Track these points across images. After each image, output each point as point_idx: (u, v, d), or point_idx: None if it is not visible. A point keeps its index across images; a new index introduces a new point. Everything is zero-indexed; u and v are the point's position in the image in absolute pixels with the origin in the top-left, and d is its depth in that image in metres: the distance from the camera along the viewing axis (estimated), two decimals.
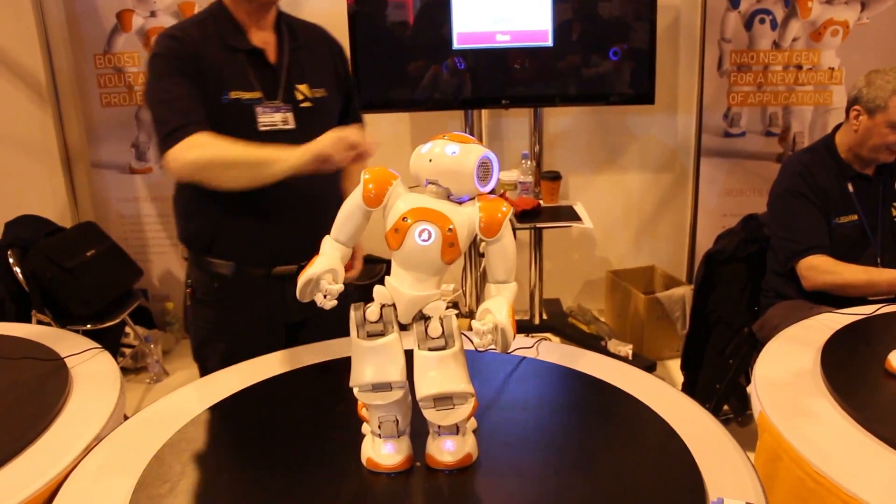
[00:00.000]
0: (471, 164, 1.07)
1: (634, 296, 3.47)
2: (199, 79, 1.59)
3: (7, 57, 3.43)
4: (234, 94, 1.62)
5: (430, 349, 1.09)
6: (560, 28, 3.15)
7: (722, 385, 2.54)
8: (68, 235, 3.21)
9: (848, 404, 1.36)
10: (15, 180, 3.50)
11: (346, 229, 1.16)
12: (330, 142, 1.46)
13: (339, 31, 3.15)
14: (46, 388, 1.45)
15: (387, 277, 1.11)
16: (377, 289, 1.11)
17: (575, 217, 3.01)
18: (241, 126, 1.61)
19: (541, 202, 3.12)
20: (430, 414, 1.10)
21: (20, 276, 2.93)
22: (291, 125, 1.67)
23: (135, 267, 3.39)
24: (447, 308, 1.11)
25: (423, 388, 1.09)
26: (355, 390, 1.13)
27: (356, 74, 3.11)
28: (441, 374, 1.09)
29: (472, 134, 3.49)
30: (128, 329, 3.39)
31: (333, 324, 1.45)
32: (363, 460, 1.16)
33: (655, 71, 3.19)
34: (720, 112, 3.55)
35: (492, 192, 1.12)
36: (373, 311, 1.10)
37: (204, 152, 1.53)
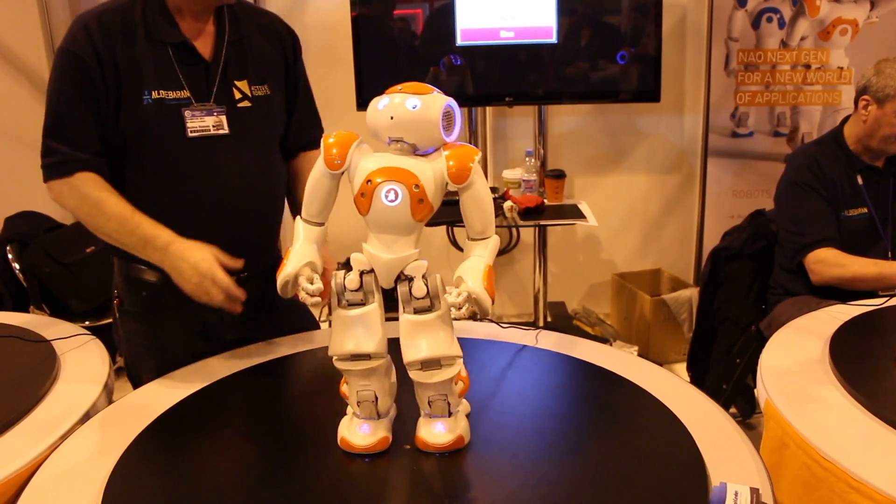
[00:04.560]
0: (435, 116, 1.02)
1: (640, 298, 3.42)
2: (110, 81, 1.42)
3: (11, 55, 3.43)
4: (156, 95, 1.44)
5: (416, 310, 1.05)
6: (565, 25, 3.12)
7: (729, 385, 2.49)
8: (67, 232, 3.18)
9: (857, 391, 1.31)
10: (17, 177, 3.48)
11: (315, 202, 1.11)
12: (194, 279, 1.35)
13: (342, 27, 3.16)
14: (34, 371, 1.42)
15: (363, 243, 1.07)
16: (354, 256, 1.07)
17: (579, 215, 2.97)
18: (167, 131, 1.46)
19: (545, 200, 3.08)
20: (416, 374, 1.07)
21: (18, 271, 2.92)
22: (225, 130, 1.49)
23: None
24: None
25: (410, 354, 1.06)
26: (334, 359, 1.10)
27: (359, 71, 3.09)
28: (428, 340, 1.06)
29: (476, 133, 3.46)
30: None
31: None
32: (338, 440, 1.13)
33: (661, 68, 3.15)
34: (727, 112, 3.51)
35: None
36: (352, 279, 1.06)
37: (77, 207, 1.44)
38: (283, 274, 1.08)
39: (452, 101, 1.05)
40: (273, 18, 1.64)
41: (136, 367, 1.61)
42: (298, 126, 1.65)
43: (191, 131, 1.47)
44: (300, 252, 1.10)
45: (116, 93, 1.43)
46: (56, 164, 1.44)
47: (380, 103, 1.04)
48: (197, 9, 1.49)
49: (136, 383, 1.59)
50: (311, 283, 1.07)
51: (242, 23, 1.56)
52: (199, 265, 1.35)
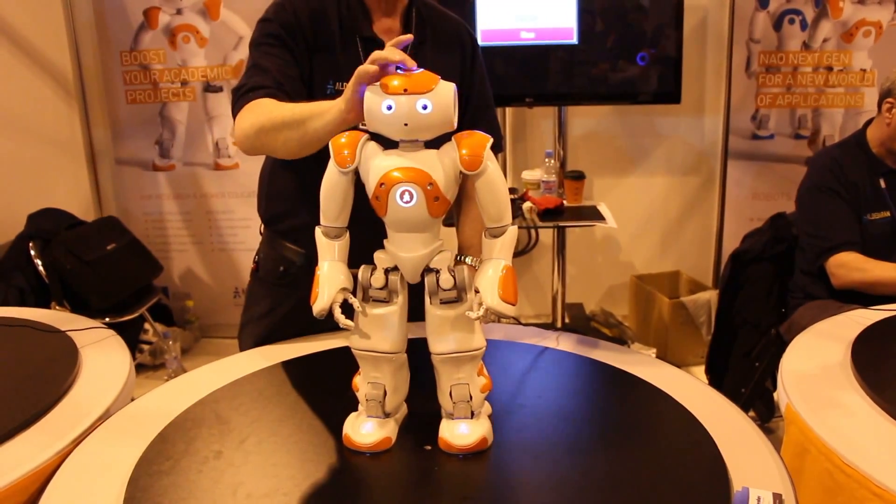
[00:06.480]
0: (450, 110, 1.01)
1: (659, 300, 3.41)
2: (304, 55, 1.47)
3: (36, 54, 3.46)
4: (339, 87, 1.47)
5: (443, 301, 1.06)
6: (585, 26, 3.11)
7: (748, 389, 2.48)
8: (89, 229, 3.22)
9: (880, 397, 1.30)
10: (40, 174, 3.53)
11: (332, 205, 1.09)
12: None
13: None
14: (56, 367, 1.43)
15: (385, 241, 1.08)
16: (378, 255, 1.08)
17: (598, 217, 2.96)
18: None
19: (564, 201, 3.08)
20: (440, 362, 1.09)
21: (40, 267, 2.95)
22: None
23: (154, 262, 3.39)
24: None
25: (438, 346, 1.08)
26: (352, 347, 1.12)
27: None
28: (455, 332, 1.07)
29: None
30: (147, 325, 3.40)
31: None
32: (343, 436, 1.14)
33: (682, 69, 3.14)
34: (748, 114, 3.49)
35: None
36: (377, 277, 1.07)
37: (255, 119, 1.38)
38: (319, 306, 1.07)
39: (453, 87, 1.03)
40: (457, 23, 1.64)
41: (245, 331, 1.69)
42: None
43: (362, 125, 1.46)
44: (330, 278, 1.08)
45: (302, 66, 1.46)
46: (234, 103, 1.44)
47: (383, 104, 1.01)
48: (388, 6, 1.53)
49: (241, 346, 1.67)
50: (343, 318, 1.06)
51: (427, 25, 1.57)
52: None
